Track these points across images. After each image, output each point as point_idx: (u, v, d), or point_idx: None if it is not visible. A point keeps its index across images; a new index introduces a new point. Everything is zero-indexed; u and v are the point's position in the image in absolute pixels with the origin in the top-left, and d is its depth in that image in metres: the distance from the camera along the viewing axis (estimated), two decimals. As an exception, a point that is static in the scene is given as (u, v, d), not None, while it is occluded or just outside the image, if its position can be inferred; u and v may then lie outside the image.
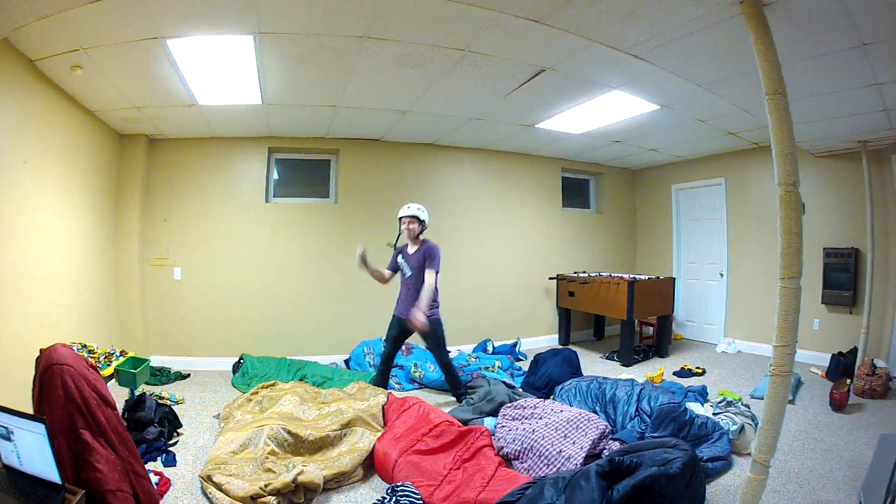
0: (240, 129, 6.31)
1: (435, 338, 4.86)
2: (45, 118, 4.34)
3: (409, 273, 4.89)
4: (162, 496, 3.18)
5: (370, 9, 3.27)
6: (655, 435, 3.78)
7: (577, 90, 4.84)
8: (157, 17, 3.33)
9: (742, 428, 4.05)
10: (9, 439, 2.21)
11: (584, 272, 8.22)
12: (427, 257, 4.77)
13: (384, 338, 5.21)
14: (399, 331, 4.93)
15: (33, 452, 2.17)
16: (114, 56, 3.92)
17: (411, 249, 4.92)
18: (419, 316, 4.49)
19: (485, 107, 5.48)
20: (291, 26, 3.51)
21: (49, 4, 3.04)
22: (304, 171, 7.27)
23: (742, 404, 4.54)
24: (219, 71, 4.35)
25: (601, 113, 5.63)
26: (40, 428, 2.11)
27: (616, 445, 3.70)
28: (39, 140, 4.26)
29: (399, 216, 4.90)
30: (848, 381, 5.18)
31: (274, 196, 6.97)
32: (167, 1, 3.14)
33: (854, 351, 5.75)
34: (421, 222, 4.87)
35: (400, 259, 4.97)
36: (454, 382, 5.05)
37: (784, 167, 2.51)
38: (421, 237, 4.91)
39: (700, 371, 6.30)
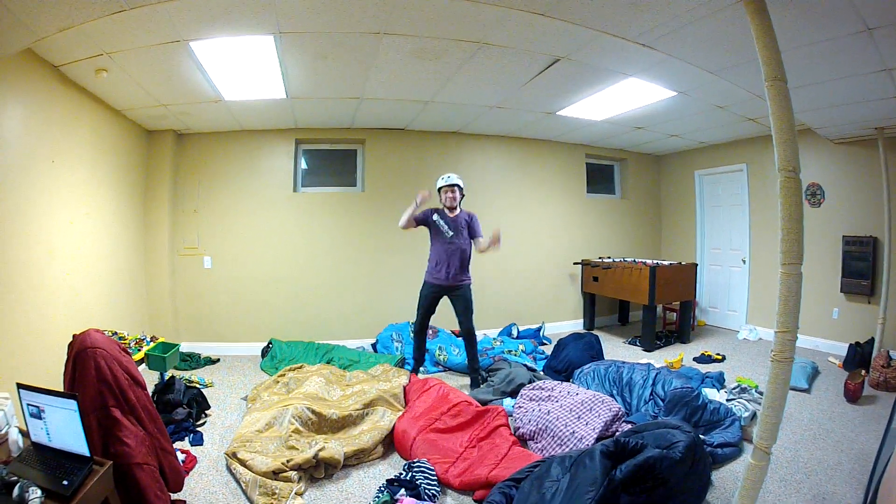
0: (266, 122, 6.46)
1: (468, 301, 5.18)
2: (72, 119, 4.50)
3: (451, 234, 5.12)
4: (188, 472, 3.36)
5: (381, 8, 3.36)
6: (667, 418, 3.84)
7: (594, 78, 4.87)
8: (177, 23, 3.44)
9: (754, 415, 4.09)
10: (39, 417, 2.33)
11: (609, 257, 8.24)
12: (473, 225, 5.17)
13: (412, 321, 5.43)
14: (436, 298, 5.26)
15: (63, 428, 2.29)
16: (138, 59, 4.03)
17: (451, 213, 5.19)
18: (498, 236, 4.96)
19: (505, 95, 5.54)
20: (309, 26, 3.61)
21: (69, 17, 3.14)
22: (331, 161, 7.42)
23: (756, 391, 4.56)
24: (243, 68, 4.46)
25: (620, 100, 5.64)
26: (72, 404, 2.23)
27: (628, 428, 3.77)
28: (67, 140, 4.42)
29: (441, 185, 5.17)
30: (863, 371, 5.13)
31: (302, 186, 7.14)
32: (186, 9, 3.24)
33: (872, 341, 5.69)
34: (461, 190, 5.18)
35: (437, 219, 5.17)
36: (474, 354, 5.27)
37: (784, 153, 2.50)
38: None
39: (720, 357, 6.31)
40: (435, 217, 5.18)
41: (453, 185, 5.15)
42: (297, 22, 3.54)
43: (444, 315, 5.59)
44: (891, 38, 3.39)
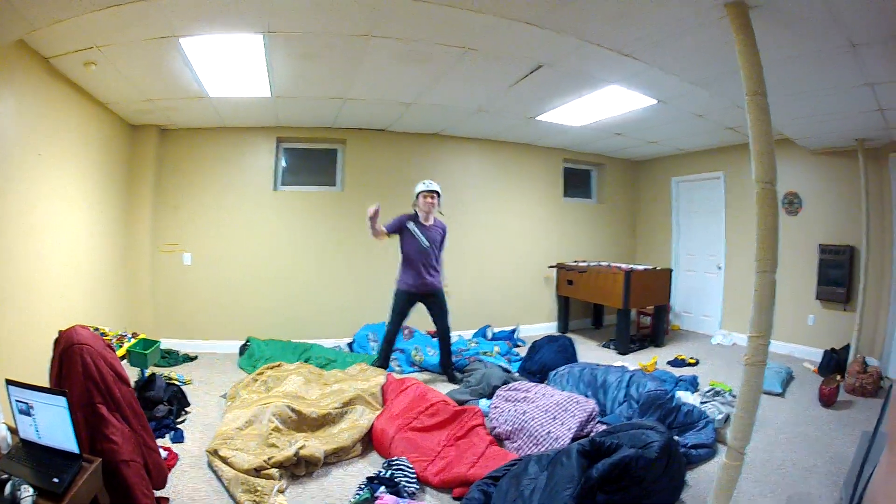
0: (249, 120, 6.44)
1: (445, 302, 5.37)
2: (60, 112, 4.44)
3: (426, 244, 5.20)
4: (170, 469, 3.34)
5: (372, 10, 3.38)
6: (642, 420, 3.91)
7: (576, 85, 4.93)
8: (172, 18, 3.43)
9: (728, 417, 4.15)
10: (29, 414, 2.30)
11: (584, 261, 8.32)
12: (444, 237, 5.33)
13: (388, 320, 5.45)
14: (411, 305, 5.35)
15: (53, 425, 2.27)
16: (128, 53, 4.01)
17: (427, 222, 5.28)
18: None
19: (487, 99, 5.59)
20: (299, 26, 3.63)
21: (67, 9, 3.13)
22: (311, 161, 7.40)
23: (730, 395, 4.64)
24: (229, 66, 4.45)
25: (601, 106, 5.71)
26: (61, 401, 2.21)
27: (603, 428, 3.83)
28: (54, 133, 4.35)
29: (420, 191, 5.23)
30: (838, 377, 5.24)
31: (282, 184, 7.11)
32: (182, 4, 3.25)
33: (847, 348, 5.79)
34: (439, 196, 5.28)
35: (412, 227, 5.22)
36: (448, 353, 5.42)
37: (762, 165, 2.58)
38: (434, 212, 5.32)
39: (694, 361, 6.41)
40: (410, 225, 5.22)
41: (433, 192, 5.22)
42: (288, 22, 3.56)
43: (421, 316, 5.67)
44: (875, 54, 3.48)
